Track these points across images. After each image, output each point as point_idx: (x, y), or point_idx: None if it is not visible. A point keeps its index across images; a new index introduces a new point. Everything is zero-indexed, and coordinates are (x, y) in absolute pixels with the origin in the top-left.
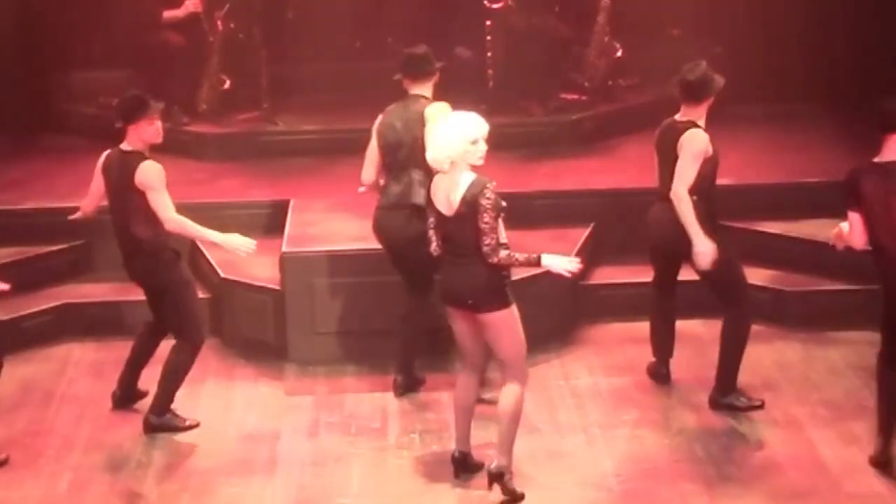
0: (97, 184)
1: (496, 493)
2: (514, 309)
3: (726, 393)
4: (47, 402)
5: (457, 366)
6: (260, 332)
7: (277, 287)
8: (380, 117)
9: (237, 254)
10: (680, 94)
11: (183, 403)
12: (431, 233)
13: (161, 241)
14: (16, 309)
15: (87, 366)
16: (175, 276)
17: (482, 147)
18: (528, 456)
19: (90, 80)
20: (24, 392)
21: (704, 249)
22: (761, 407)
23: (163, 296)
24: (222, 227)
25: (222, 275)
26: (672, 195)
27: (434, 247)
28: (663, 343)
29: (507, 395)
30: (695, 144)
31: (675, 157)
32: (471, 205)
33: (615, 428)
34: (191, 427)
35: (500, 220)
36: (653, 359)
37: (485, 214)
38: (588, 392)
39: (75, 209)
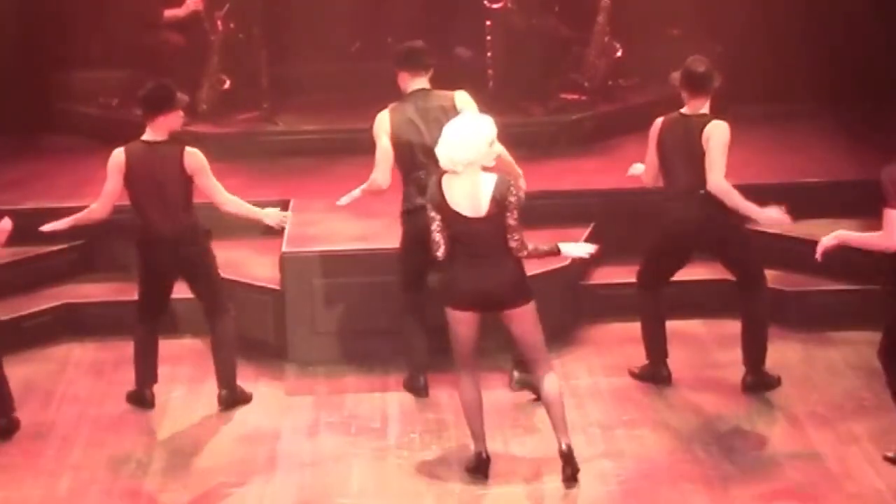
0: (114, 184)
1: (497, 493)
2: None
3: (760, 372)
4: (47, 402)
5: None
6: (260, 332)
7: (277, 287)
8: (386, 117)
9: (279, 226)
10: (687, 87)
11: (183, 403)
12: (439, 236)
13: (200, 222)
14: (16, 309)
15: (87, 366)
16: (212, 253)
17: (498, 148)
18: (529, 455)
19: (90, 80)
20: (24, 392)
21: (769, 213)
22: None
23: (203, 276)
24: (223, 228)
25: (222, 275)
26: (714, 187)
27: (442, 251)
28: (661, 344)
29: (551, 382)
30: (725, 135)
31: (699, 151)
32: (500, 203)
33: (615, 428)
34: (251, 397)
35: None
36: (645, 362)
37: (515, 211)
38: (588, 392)
39: (75, 209)
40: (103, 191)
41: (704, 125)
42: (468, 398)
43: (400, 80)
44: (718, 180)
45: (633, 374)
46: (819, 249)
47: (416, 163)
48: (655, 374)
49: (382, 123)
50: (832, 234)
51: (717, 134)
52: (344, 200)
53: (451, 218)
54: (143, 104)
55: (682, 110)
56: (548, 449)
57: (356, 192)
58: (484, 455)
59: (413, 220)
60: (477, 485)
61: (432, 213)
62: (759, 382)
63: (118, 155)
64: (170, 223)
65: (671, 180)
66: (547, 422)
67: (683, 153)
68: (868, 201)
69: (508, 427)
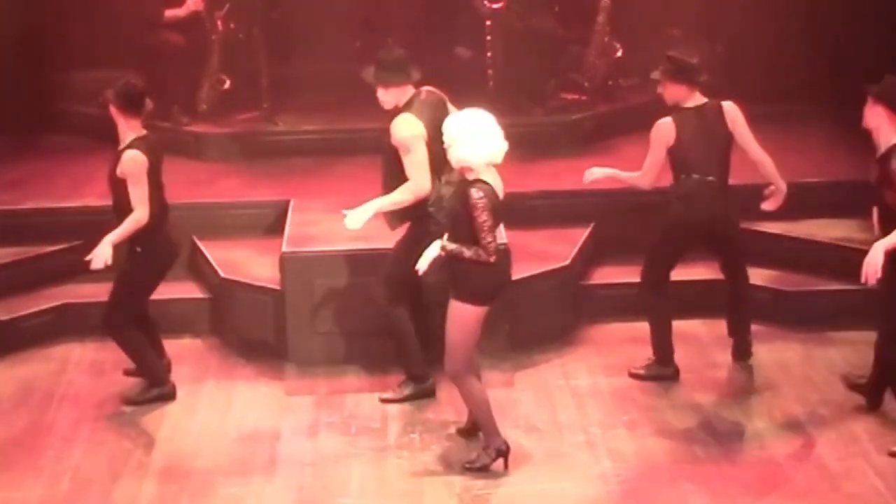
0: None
1: (497, 493)
2: None
3: (747, 339)
4: (47, 402)
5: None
6: (260, 332)
7: (277, 287)
8: (418, 121)
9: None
10: (687, 79)
11: (183, 403)
12: (494, 242)
13: None
14: (16, 309)
15: (87, 366)
16: None
17: None
18: (529, 456)
19: (90, 80)
20: (24, 392)
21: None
22: None
23: None
24: (222, 228)
25: (222, 275)
26: (761, 156)
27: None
28: (670, 343)
29: None
30: (740, 112)
31: (722, 136)
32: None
33: (615, 428)
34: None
35: None
36: (646, 362)
37: None
38: (588, 392)
39: (75, 209)
40: (144, 196)
41: (719, 110)
42: (484, 394)
43: (398, 91)
44: (760, 150)
45: (635, 376)
46: (873, 270)
47: (441, 167)
48: (663, 372)
49: (419, 128)
50: (878, 248)
51: (738, 114)
52: (362, 215)
53: (499, 213)
54: (138, 103)
55: (688, 104)
56: (547, 448)
57: (385, 202)
58: (504, 448)
59: (425, 225)
60: (477, 485)
61: (490, 221)
62: (748, 347)
63: (141, 157)
64: (167, 216)
65: (686, 171)
66: (547, 422)
67: (703, 142)
68: (867, 201)
69: (507, 426)
